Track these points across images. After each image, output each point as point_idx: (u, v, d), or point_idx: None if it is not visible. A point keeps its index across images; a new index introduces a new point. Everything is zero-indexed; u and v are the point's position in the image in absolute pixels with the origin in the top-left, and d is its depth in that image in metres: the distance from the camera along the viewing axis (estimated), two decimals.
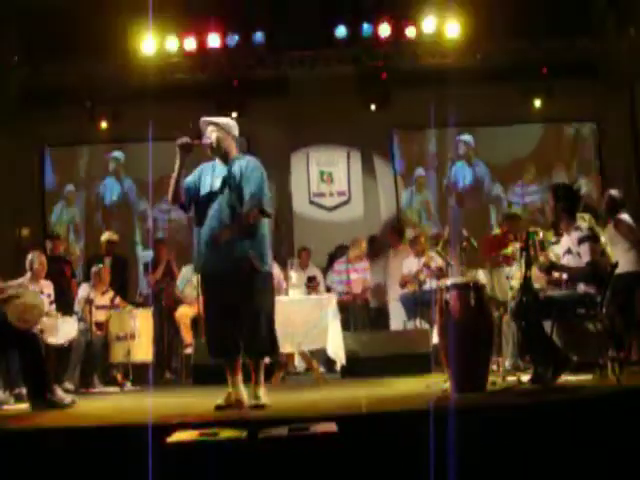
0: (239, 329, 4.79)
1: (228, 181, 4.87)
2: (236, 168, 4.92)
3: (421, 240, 8.94)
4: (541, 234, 5.69)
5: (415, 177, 11.33)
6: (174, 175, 4.92)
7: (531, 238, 5.57)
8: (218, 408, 4.73)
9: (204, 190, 4.94)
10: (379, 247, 10.16)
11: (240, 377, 4.92)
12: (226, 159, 4.98)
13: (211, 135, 4.98)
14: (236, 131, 5.10)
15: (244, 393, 4.89)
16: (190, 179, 5.01)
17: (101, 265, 8.52)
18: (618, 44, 10.09)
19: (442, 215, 11.14)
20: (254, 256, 4.78)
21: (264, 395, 4.83)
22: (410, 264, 8.91)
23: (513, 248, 6.92)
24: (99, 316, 7.96)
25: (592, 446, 3.72)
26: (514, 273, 6.36)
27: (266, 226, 4.96)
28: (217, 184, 4.89)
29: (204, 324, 5.22)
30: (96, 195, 11.27)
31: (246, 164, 4.93)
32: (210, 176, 4.96)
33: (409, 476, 3.59)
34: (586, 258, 5.34)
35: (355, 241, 9.32)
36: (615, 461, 3.68)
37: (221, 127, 5.01)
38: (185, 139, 4.89)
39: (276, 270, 8.57)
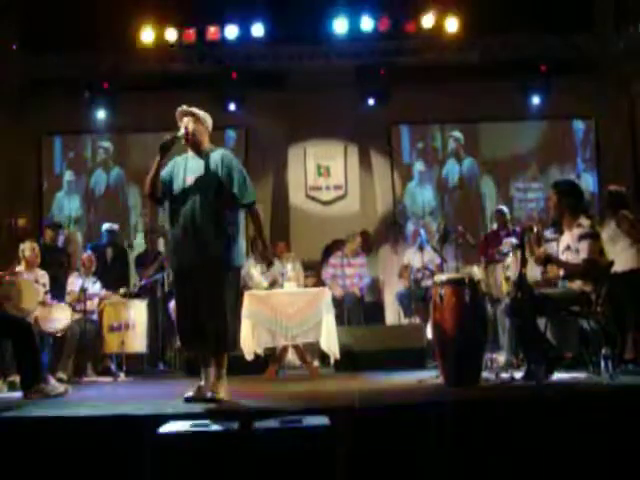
0: (204, 324, 4.65)
1: (204, 178, 4.78)
2: (212, 164, 4.81)
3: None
4: (535, 229, 5.69)
5: (417, 172, 11.30)
6: (153, 171, 4.80)
7: (527, 234, 5.57)
8: (187, 400, 4.61)
9: (177, 186, 4.83)
10: (376, 242, 10.16)
11: (212, 370, 4.77)
12: (199, 151, 4.88)
13: (188, 125, 4.87)
14: (210, 124, 4.99)
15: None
16: (164, 173, 4.89)
17: (90, 252, 8.51)
18: (617, 41, 10.11)
19: (442, 210, 11.11)
20: (227, 255, 4.70)
21: (223, 391, 4.68)
22: (410, 255, 8.93)
23: (508, 245, 6.94)
24: (90, 305, 7.96)
25: (584, 443, 3.74)
26: (510, 264, 6.36)
27: (241, 222, 4.87)
28: (190, 181, 4.79)
29: (176, 318, 5.10)
30: (90, 185, 11.19)
31: (221, 159, 4.82)
32: (183, 171, 4.85)
33: (400, 470, 3.60)
34: (584, 255, 5.33)
35: (351, 236, 9.31)
36: (607, 458, 3.70)
37: (198, 118, 4.90)
38: (167, 139, 4.79)
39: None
